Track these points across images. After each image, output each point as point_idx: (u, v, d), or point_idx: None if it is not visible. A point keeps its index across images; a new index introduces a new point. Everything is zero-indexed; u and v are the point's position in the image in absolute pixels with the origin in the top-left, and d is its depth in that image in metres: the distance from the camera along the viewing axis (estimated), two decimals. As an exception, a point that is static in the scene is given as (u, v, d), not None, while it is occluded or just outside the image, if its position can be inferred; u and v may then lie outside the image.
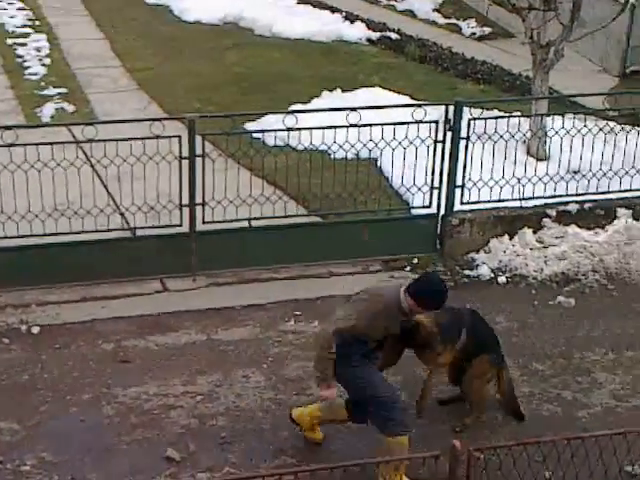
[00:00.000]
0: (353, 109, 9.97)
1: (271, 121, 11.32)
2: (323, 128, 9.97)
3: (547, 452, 6.58)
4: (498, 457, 6.21)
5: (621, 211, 10.95)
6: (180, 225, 9.84)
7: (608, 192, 10.96)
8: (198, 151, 9.61)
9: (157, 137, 9.43)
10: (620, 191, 10.97)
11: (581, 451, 6.40)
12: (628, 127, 11.39)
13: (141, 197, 9.70)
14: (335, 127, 10.00)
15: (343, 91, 13.19)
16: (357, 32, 16.00)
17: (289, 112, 10.32)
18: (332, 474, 5.99)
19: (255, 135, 11.09)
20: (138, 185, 9.67)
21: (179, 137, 9.53)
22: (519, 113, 11.41)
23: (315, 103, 12.65)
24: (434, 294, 7.14)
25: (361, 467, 6.08)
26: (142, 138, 9.48)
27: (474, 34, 16.20)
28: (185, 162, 9.62)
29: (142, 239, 9.87)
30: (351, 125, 9.94)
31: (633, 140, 11.06)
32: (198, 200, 9.76)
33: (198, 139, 9.58)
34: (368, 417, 7.45)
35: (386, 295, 7.24)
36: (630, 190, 11.00)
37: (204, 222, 9.86)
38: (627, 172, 10.95)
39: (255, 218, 10.00)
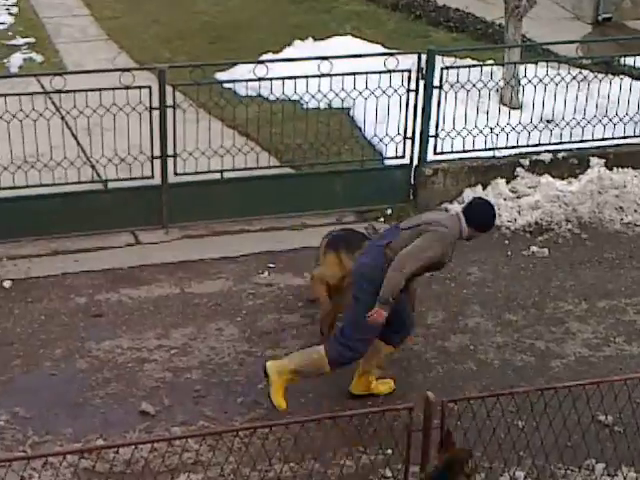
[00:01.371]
0: (325, 58, 9.88)
1: (242, 71, 11.18)
2: (294, 78, 9.87)
3: (520, 402, 6.63)
4: (471, 408, 6.23)
5: (594, 160, 10.93)
6: (152, 177, 9.75)
7: (581, 141, 10.93)
8: (169, 102, 9.51)
9: (127, 87, 9.32)
10: (593, 140, 10.94)
11: (554, 401, 6.45)
12: (601, 75, 11.37)
13: (112, 149, 9.59)
14: (307, 77, 9.90)
15: (315, 40, 13.05)
16: (329, -21, 15.81)
17: (260, 62, 10.21)
18: (305, 426, 6.03)
19: (226, 85, 10.98)
20: (108, 137, 9.57)
21: (149, 87, 9.42)
22: (492, 62, 11.34)
23: (287, 52, 12.51)
24: (492, 219, 7.66)
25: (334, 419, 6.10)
26: (111, 89, 9.36)
27: (446, -19, 16.04)
28: (156, 113, 9.51)
29: (113, 191, 9.78)
30: (323, 75, 9.85)
31: (606, 88, 11.02)
32: (169, 152, 9.67)
33: (169, 89, 9.48)
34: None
35: (449, 224, 7.47)
36: (603, 139, 10.97)
37: (176, 174, 9.78)
38: (600, 121, 10.92)
39: (227, 170, 9.92)
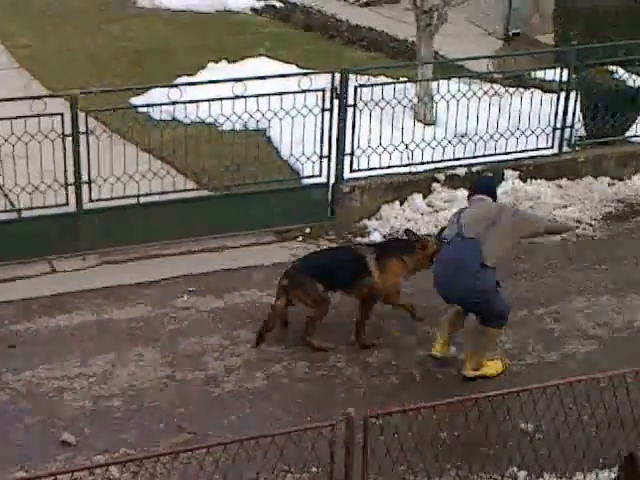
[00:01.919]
0: (239, 80, 9.89)
1: (157, 95, 11.14)
2: (209, 100, 9.89)
3: (442, 415, 6.67)
4: (394, 422, 6.25)
5: (508, 173, 11.10)
6: (66, 204, 9.65)
7: (495, 154, 11.08)
8: (82, 128, 9.44)
9: (38, 115, 9.24)
10: (507, 153, 11.11)
11: (474, 412, 6.49)
12: (512, 89, 11.53)
13: (25, 177, 9.47)
14: (221, 99, 9.92)
15: (229, 62, 13.06)
16: (241, 2, 15.85)
17: (174, 85, 10.22)
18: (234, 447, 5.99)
19: (141, 110, 10.94)
20: (21, 165, 9.45)
21: (61, 115, 9.34)
22: (406, 79, 11.45)
23: (201, 75, 12.50)
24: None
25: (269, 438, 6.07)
26: (23, 117, 9.26)
27: (359, 0, 16.19)
28: (69, 140, 9.43)
29: (28, 220, 9.67)
30: (237, 96, 9.87)
31: (517, 102, 11.19)
32: (84, 178, 9.58)
33: (82, 116, 9.41)
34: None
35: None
36: (516, 152, 11.15)
37: (91, 200, 9.69)
38: (513, 134, 11.09)
39: (143, 194, 9.87)
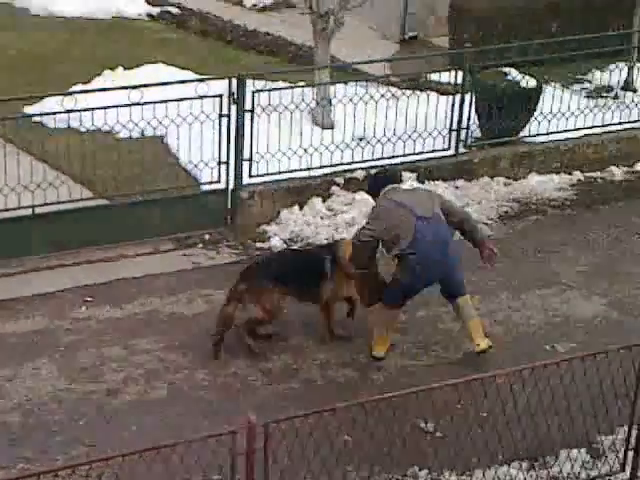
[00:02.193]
0: (135, 87, 9.81)
1: (51, 103, 10.97)
2: (104, 108, 9.78)
3: (343, 417, 6.69)
4: (295, 427, 6.26)
5: (406, 175, 11.15)
6: (-41, 216, 9.47)
7: (393, 157, 11.17)
8: (-27, 139, 9.28)
9: None
10: (404, 155, 11.20)
11: (375, 413, 6.54)
12: (409, 92, 11.66)
13: None
14: (117, 106, 9.82)
15: (125, 69, 12.93)
16: (137, 8, 15.68)
17: (68, 93, 10.09)
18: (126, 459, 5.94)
19: (35, 119, 10.78)
20: None
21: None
22: (303, 83, 11.48)
23: (96, 82, 12.34)
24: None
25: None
26: None
27: (255, 5, 16.15)
28: (-40, 151, 9.26)
29: None
30: (134, 104, 9.77)
31: (414, 104, 11.30)
32: (-23, 190, 9.43)
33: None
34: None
35: None
36: (414, 154, 11.24)
37: (-15, 212, 9.53)
38: (410, 136, 11.19)
39: (39, 205, 9.72)
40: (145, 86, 9.88)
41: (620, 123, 12.20)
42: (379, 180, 8.91)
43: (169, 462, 6.51)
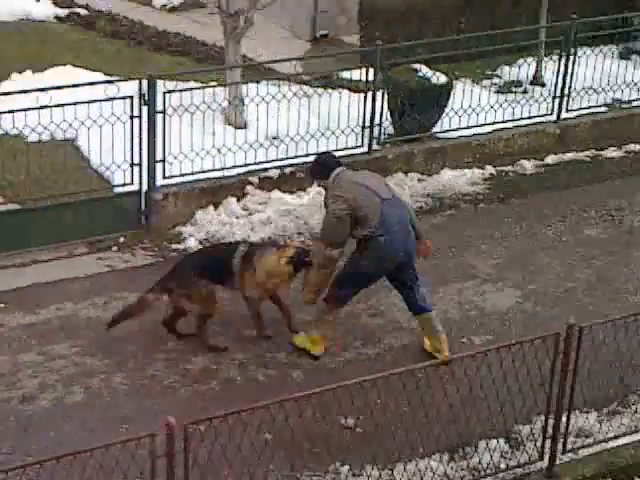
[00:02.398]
0: (43, 89, 9.67)
1: (-42, 108, 10.77)
2: (12, 112, 9.62)
3: (263, 416, 6.68)
4: (214, 428, 6.24)
5: (321, 172, 11.18)
6: None
7: (307, 155, 11.16)
8: None
9: None
10: (318, 153, 11.19)
11: (295, 411, 6.54)
12: (320, 90, 11.68)
13: None
14: (25, 110, 9.67)
15: (34, 72, 12.74)
16: (44, 9, 15.42)
17: (-25, 97, 9.91)
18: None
19: (-59, 124, 10.57)
20: None
21: None
22: (215, 83, 11.42)
23: (4, 86, 12.14)
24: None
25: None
26: None
27: (165, 6, 16.01)
28: None
29: None
30: (42, 107, 9.64)
31: (326, 102, 11.33)
32: None
33: None
34: None
35: None
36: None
37: None
38: (323, 134, 11.21)
39: (-53, 210, 9.56)
40: (53, 89, 9.76)
41: (530, 117, 12.39)
42: (329, 163, 8.67)
43: (87, 467, 6.46)
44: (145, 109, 10.07)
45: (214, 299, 8.60)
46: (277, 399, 6.60)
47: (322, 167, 8.71)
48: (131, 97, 10.03)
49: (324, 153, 9.45)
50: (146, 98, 10.04)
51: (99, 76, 12.40)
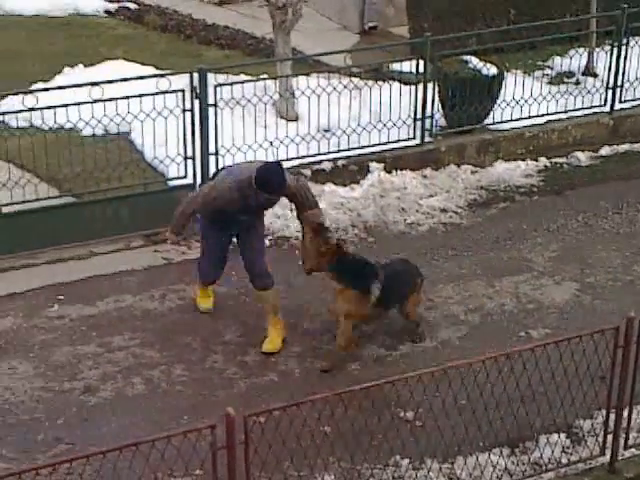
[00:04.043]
0: (95, 84, 9.74)
1: (13, 102, 10.88)
2: (66, 106, 9.69)
3: (322, 408, 6.68)
4: (274, 419, 6.26)
5: (373, 165, 11.20)
6: None
7: (359, 147, 11.18)
8: None
9: None
10: (370, 146, 11.21)
11: (354, 403, 6.54)
12: (371, 82, 11.65)
13: None
14: (78, 104, 9.75)
15: (86, 66, 12.83)
16: (94, 4, 15.56)
17: (30, 91, 10.00)
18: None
19: (-3, 118, 10.67)
20: None
21: None
22: (266, 76, 11.44)
23: (57, 80, 12.24)
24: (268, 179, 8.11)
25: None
26: None
27: (213, -1, 16.11)
28: None
29: None
30: (95, 100, 9.70)
31: (377, 95, 11.31)
32: (-57, 191, 9.32)
33: None
34: None
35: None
36: (379, 144, 11.26)
37: (-49, 213, 9.43)
38: (375, 126, 11.20)
39: (5, 204, 9.63)
40: (106, 82, 9.82)
41: (583, 108, 12.30)
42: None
43: (149, 458, 6.50)
44: (197, 102, 10.11)
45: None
46: (336, 391, 6.60)
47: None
48: (183, 91, 10.07)
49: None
50: (197, 91, 10.07)
51: (150, 70, 12.45)
